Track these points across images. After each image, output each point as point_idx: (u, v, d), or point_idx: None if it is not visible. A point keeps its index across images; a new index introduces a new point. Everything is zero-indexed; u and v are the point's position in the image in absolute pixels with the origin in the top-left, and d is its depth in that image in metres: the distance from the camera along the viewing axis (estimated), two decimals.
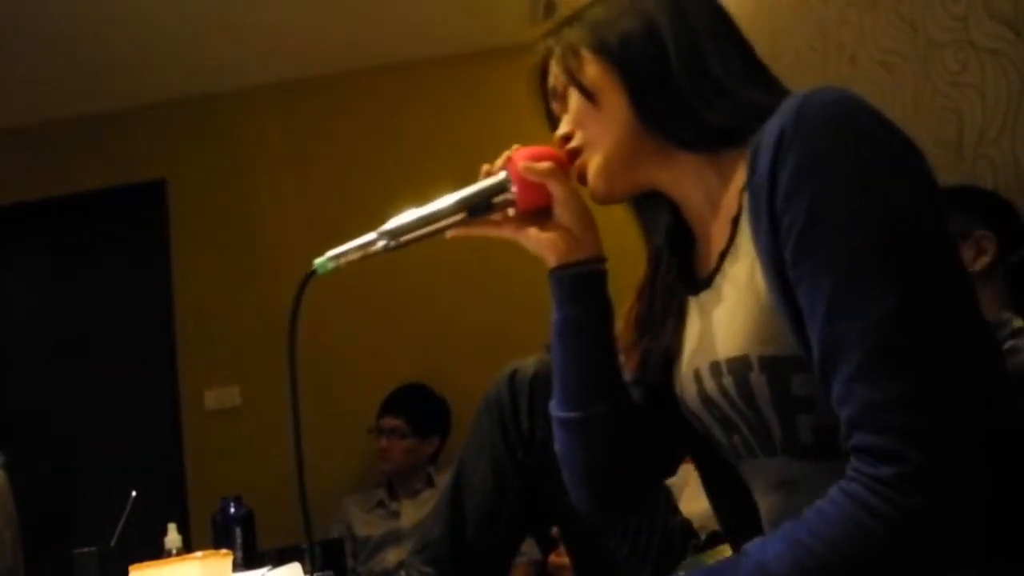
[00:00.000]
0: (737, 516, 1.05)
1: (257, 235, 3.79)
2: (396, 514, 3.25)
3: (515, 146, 1.05)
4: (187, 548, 1.79)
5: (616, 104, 0.97)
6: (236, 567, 1.20)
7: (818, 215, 0.77)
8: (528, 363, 1.42)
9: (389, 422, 3.33)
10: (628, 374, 1.08)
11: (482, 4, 3.45)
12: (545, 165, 1.01)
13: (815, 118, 0.80)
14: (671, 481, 1.42)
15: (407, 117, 3.82)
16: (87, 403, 3.82)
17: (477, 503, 1.43)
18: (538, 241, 1.05)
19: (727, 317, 0.91)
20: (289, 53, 3.71)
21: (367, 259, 1.02)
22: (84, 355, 3.88)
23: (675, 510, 1.43)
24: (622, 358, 1.07)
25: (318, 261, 1.01)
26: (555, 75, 1.04)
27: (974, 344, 0.76)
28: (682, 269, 1.03)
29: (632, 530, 1.37)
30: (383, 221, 1.03)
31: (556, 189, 1.02)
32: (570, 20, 1.03)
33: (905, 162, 0.81)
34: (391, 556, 3.13)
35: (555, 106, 1.07)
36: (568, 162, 1.03)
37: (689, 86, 0.93)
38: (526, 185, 1.02)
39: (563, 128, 1.04)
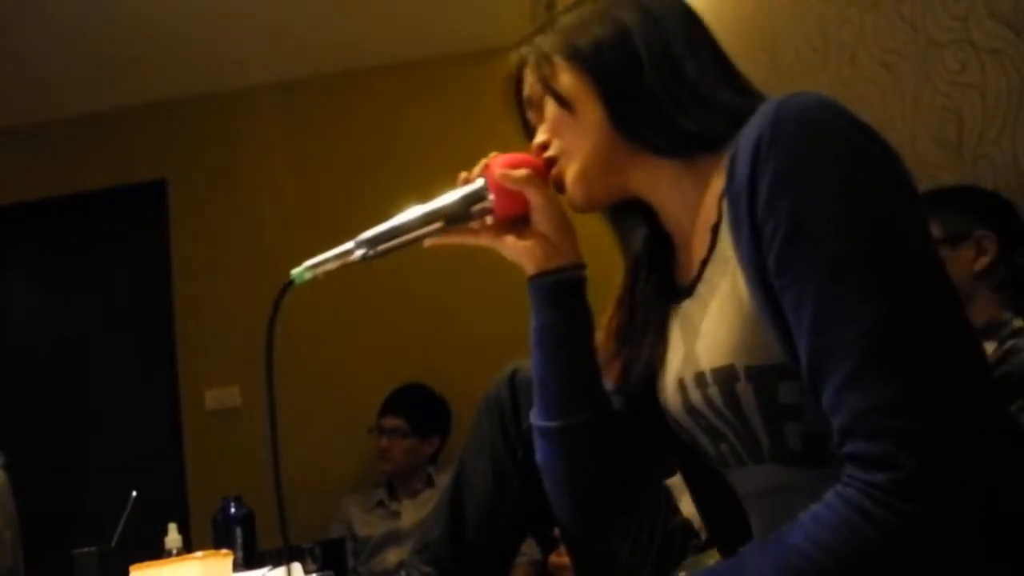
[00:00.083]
0: (725, 523, 1.04)
1: (257, 235, 3.79)
2: (396, 514, 3.25)
3: (492, 153, 1.05)
4: (187, 548, 1.79)
5: (591, 111, 0.97)
6: (236, 567, 1.20)
7: (800, 223, 0.77)
8: (528, 363, 1.42)
9: (390, 422, 3.33)
10: (609, 384, 1.07)
11: (482, 4, 3.45)
12: (522, 172, 1.01)
13: (792, 124, 0.79)
14: (671, 481, 1.41)
15: (408, 117, 3.82)
16: (87, 403, 3.82)
17: (477, 503, 1.43)
18: (516, 249, 1.05)
19: (711, 326, 0.90)
20: (290, 53, 3.71)
21: (364, 260, 1.02)
22: (84, 355, 3.88)
23: (675, 510, 1.43)
24: (603, 368, 1.07)
25: (295, 271, 1.01)
26: (530, 84, 1.04)
27: (961, 346, 0.76)
28: (662, 278, 1.03)
29: (632, 530, 1.37)
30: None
31: (534, 196, 1.02)
32: (543, 28, 1.03)
33: (884, 166, 0.80)
34: (391, 556, 3.13)
35: (531, 115, 1.06)
36: (546, 170, 1.02)
37: (663, 91, 0.93)
38: (504, 193, 1.02)
39: (540, 137, 1.03)
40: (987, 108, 1.48)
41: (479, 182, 1.03)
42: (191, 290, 3.82)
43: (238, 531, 1.86)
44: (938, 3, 1.57)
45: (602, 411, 1.06)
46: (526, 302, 1.09)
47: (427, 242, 1.04)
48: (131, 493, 1.81)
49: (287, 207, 3.84)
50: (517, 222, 1.05)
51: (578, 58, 0.97)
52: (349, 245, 1.01)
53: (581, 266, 1.06)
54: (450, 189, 1.05)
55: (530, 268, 1.06)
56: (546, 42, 1.01)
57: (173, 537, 1.78)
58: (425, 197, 1.05)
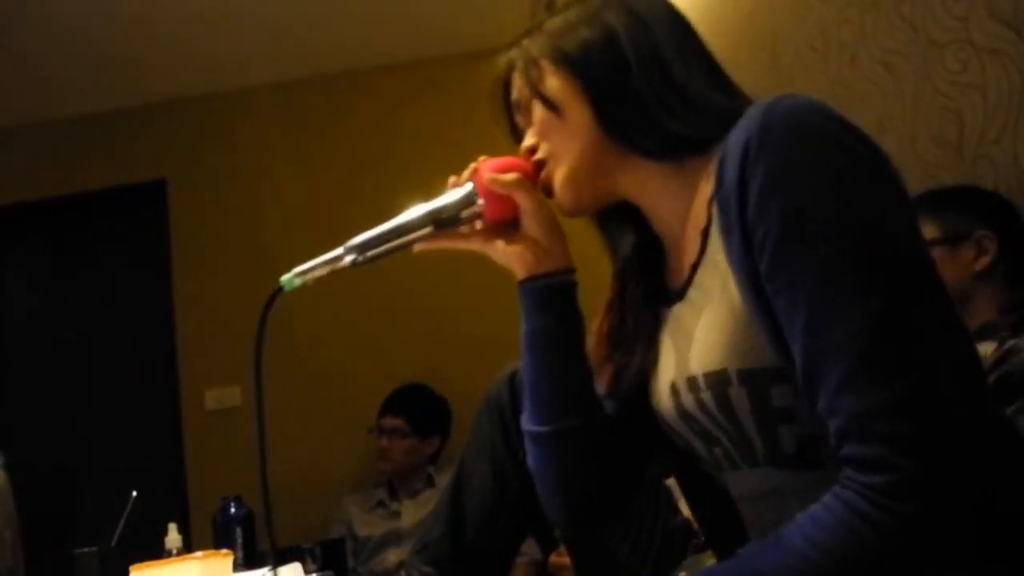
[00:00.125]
0: (720, 526, 1.04)
1: (258, 235, 3.79)
2: (396, 514, 3.25)
3: (481, 157, 1.04)
4: (187, 548, 1.79)
5: (579, 114, 0.96)
6: (236, 567, 1.20)
7: (790, 227, 0.77)
8: None
9: (390, 422, 3.33)
10: (601, 388, 1.07)
11: (482, 4, 3.45)
12: (511, 177, 1.00)
13: (781, 127, 0.79)
14: (671, 481, 1.41)
15: (408, 117, 3.82)
16: (87, 403, 3.82)
17: (477, 503, 1.43)
18: (506, 253, 1.05)
19: (702, 331, 0.90)
20: (290, 53, 3.71)
21: (354, 266, 1.01)
22: (84, 355, 3.88)
23: (675, 510, 1.43)
24: (595, 373, 1.06)
25: (284, 278, 1.00)
26: (518, 88, 1.03)
27: (954, 347, 0.76)
28: (653, 281, 1.02)
29: (632, 530, 1.37)
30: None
31: (523, 200, 1.01)
32: (530, 31, 1.03)
33: (873, 167, 0.80)
34: (391, 556, 3.13)
35: (519, 119, 1.06)
36: (535, 174, 1.02)
37: (651, 94, 0.93)
38: (493, 197, 1.01)
39: (528, 140, 1.03)
40: (987, 108, 1.48)
41: (468, 186, 1.02)
42: (191, 290, 3.82)
43: (238, 531, 1.86)
44: (938, 3, 1.57)
45: (594, 415, 1.06)
46: None
47: (416, 247, 1.04)
48: (131, 493, 1.81)
49: (287, 207, 3.84)
50: (507, 226, 1.04)
51: (565, 61, 0.97)
52: (338, 251, 1.00)
53: (571, 270, 1.06)
54: (443, 192, 1.04)
55: (520, 272, 1.06)
56: (534, 45, 1.00)
57: (173, 537, 1.78)
58: (426, 197, 1.04)
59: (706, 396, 0.89)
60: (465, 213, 1.02)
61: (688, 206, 0.94)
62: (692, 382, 0.91)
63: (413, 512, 3.20)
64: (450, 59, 3.76)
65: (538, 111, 1.00)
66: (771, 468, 0.88)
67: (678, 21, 0.99)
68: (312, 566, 1.91)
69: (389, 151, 3.78)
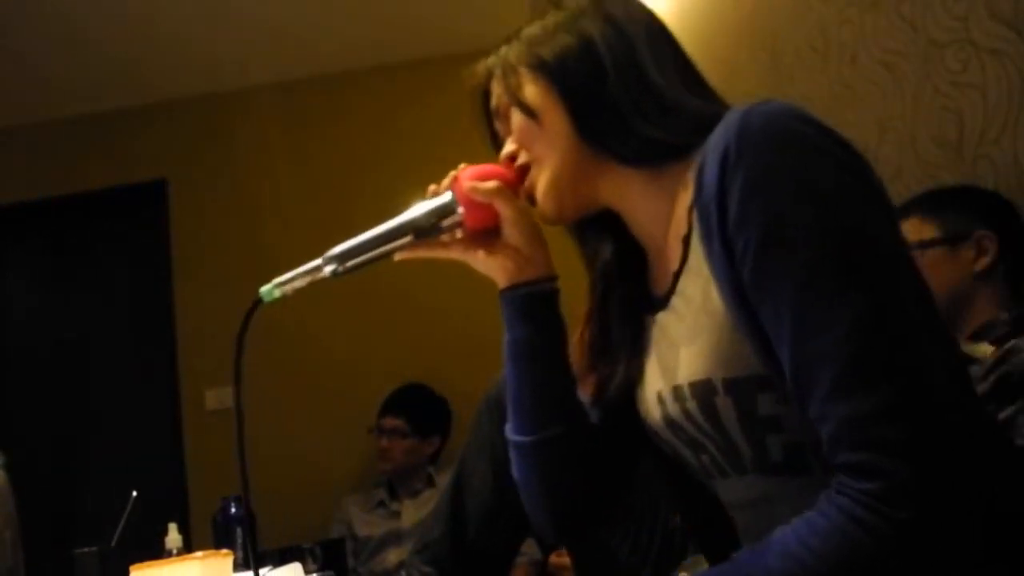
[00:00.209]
0: (711, 532, 1.03)
1: (258, 235, 3.79)
2: (397, 514, 3.25)
3: (461, 165, 1.03)
4: (188, 548, 1.79)
5: (557, 121, 0.96)
6: (237, 567, 1.20)
7: (771, 235, 0.76)
8: None
9: (390, 422, 3.33)
10: (586, 398, 1.06)
11: (482, 4, 3.45)
12: (491, 185, 1.00)
13: (759, 134, 0.79)
14: None
15: (408, 117, 3.82)
16: (87, 403, 3.82)
17: (478, 503, 1.43)
18: (487, 262, 1.04)
19: (686, 339, 0.90)
20: (290, 53, 3.71)
21: (335, 277, 1.00)
22: (84, 355, 3.89)
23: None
24: (579, 382, 1.06)
25: (264, 289, 1.00)
26: (497, 95, 1.03)
27: (940, 349, 0.76)
28: (636, 289, 1.02)
29: (633, 530, 1.37)
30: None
31: (503, 208, 1.01)
32: (508, 39, 1.02)
33: (852, 171, 0.80)
34: (392, 556, 3.13)
35: (498, 126, 1.05)
36: (517, 181, 1.01)
37: (627, 101, 0.92)
38: (473, 205, 1.00)
39: (507, 147, 1.03)
40: (988, 108, 1.48)
41: (447, 195, 1.01)
42: (191, 290, 3.82)
43: (238, 531, 1.86)
44: (938, 3, 1.57)
45: (577, 424, 1.05)
46: None
47: (397, 256, 1.03)
48: (131, 493, 1.81)
49: (287, 207, 3.84)
50: (488, 234, 1.03)
51: (542, 68, 0.97)
52: (318, 261, 0.99)
53: (553, 278, 1.05)
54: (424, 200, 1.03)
55: (501, 281, 1.05)
56: (511, 53, 1.00)
57: (173, 537, 1.78)
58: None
59: (692, 405, 0.89)
60: (445, 222, 1.01)
61: (669, 212, 0.94)
62: (678, 391, 0.91)
63: (413, 512, 3.20)
64: (450, 59, 3.74)
65: (517, 118, 0.99)
66: (759, 476, 0.88)
67: (656, 27, 0.99)
68: (312, 566, 1.91)
69: (389, 151, 3.78)
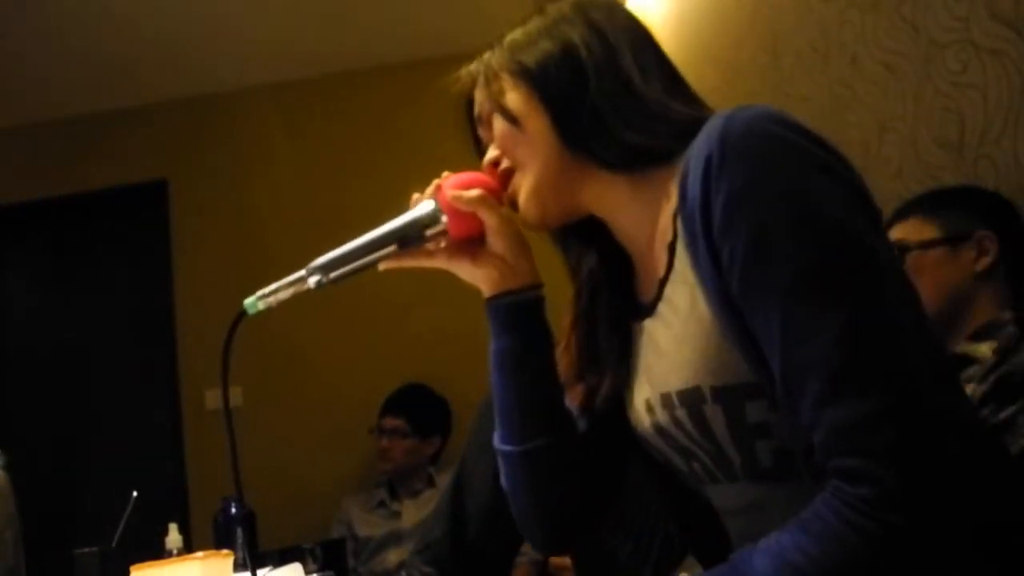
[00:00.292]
0: (704, 537, 1.03)
1: (258, 235, 3.79)
2: (397, 514, 3.25)
3: (445, 173, 1.03)
4: (188, 548, 1.79)
5: (540, 127, 0.96)
6: (237, 567, 1.20)
7: (758, 243, 0.76)
8: None
9: (390, 422, 3.33)
10: (573, 406, 1.06)
11: (482, 4, 3.45)
12: (474, 193, 0.99)
13: (740, 140, 0.78)
14: None
15: (407, 117, 3.81)
16: (88, 403, 3.82)
17: (478, 503, 1.43)
18: (471, 271, 1.04)
19: (674, 347, 0.89)
20: (290, 53, 3.71)
21: (319, 288, 1.00)
22: (85, 355, 3.89)
23: None
24: (566, 391, 1.05)
25: (248, 301, 0.99)
26: (479, 101, 1.03)
27: (928, 352, 0.75)
28: (622, 295, 1.02)
29: (634, 532, 1.37)
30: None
31: (487, 217, 1.00)
32: (492, 45, 1.02)
33: (834, 174, 0.79)
34: (392, 556, 3.13)
35: (482, 132, 1.05)
36: (500, 188, 1.01)
37: (609, 106, 0.92)
38: (457, 214, 1.00)
39: (490, 153, 1.02)
40: (988, 108, 1.48)
41: (431, 204, 1.01)
42: (191, 290, 3.82)
43: (239, 531, 1.86)
44: (939, 4, 1.57)
45: (565, 433, 1.04)
46: None
47: (381, 266, 1.02)
48: (132, 493, 1.81)
49: (287, 207, 3.85)
50: (472, 243, 1.03)
51: (524, 74, 0.97)
52: (301, 273, 0.99)
53: (538, 286, 1.05)
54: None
55: (486, 290, 1.05)
56: (494, 59, 1.00)
57: (174, 537, 1.78)
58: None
59: (681, 413, 0.88)
60: (429, 231, 1.01)
61: (653, 219, 0.93)
62: (666, 399, 0.90)
63: (414, 512, 3.20)
64: (450, 59, 3.75)
65: (499, 125, 0.99)
66: (750, 482, 0.88)
67: (638, 32, 0.99)
68: (313, 566, 1.90)
69: (389, 151, 3.77)
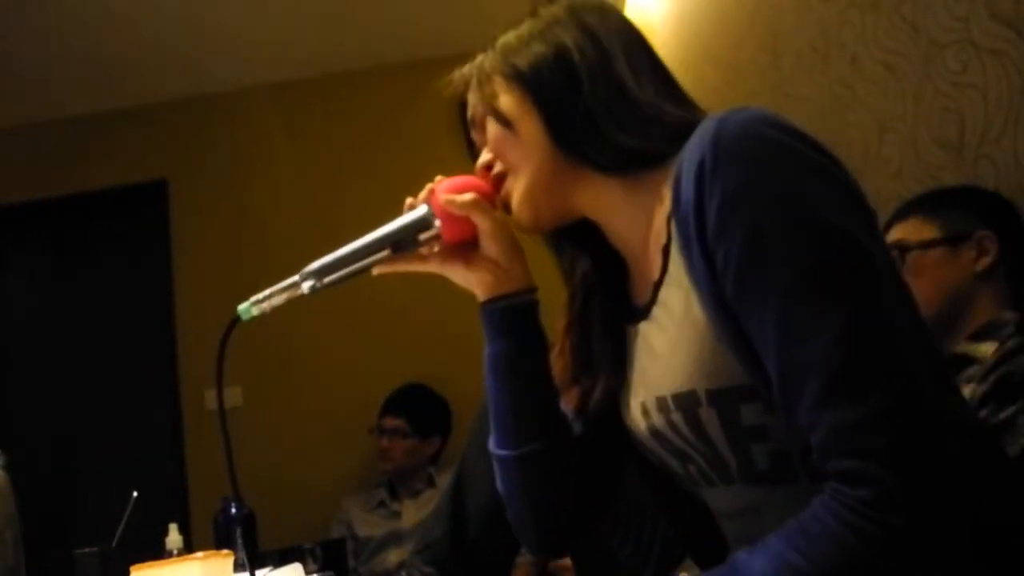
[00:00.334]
0: (701, 539, 1.03)
1: (258, 235, 3.80)
2: (397, 514, 3.25)
3: (438, 177, 1.03)
4: (188, 548, 1.79)
5: (533, 130, 0.95)
6: (237, 567, 1.20)
7: (753, 246, 0.76)
8: None
9: (390, 422, 3.33)
10: (568, 409, 1.05)
11: (483, 4, 3.45)
12: (467, 197, 0.99)
13: (733, 143, 0.78)
14: None
15: (407, 117, 3.82)
16: (88, 403, 3.82)
17: (478, 503, 1.43)
18: (465, 275, 1.04)
19: (669, 350, 0.89)
20: (289, 54, 3.72)
21: (313, 293, 1.00)
22: (85, 355, 3.89)
23: None
24: (561, 394, 1.05)
25: (241, 307, 1.00)
26: (473, 105, 1.03)
27: (924, 353, 0.75)
28: (617, 298, 1.02)
29: (634, 532, 1.37)
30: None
31: (480, 221, 1.00)
32: (485, 48, 1.02)
33: (828, 176, 0.79)
34: (392, 556, 3.13)
35: (475, 135, 1.05)
36: (493, 191, 1.01)
37: (602, 109, 0.92)
38: (450, 219, 1.00)
39: (483, 157, 1.02)
40: (988, 108, 1.48)
41: (424, 209, 1.01)
42: (192, 290, 3.82)
43: (238, 531, 1.87)
44: (939, 4, 1.57)
45: (560, 438, 1.04)
46: None
47: (375, 271, 1.02)
48: (132, 493, 1.81)
49: (287, 207, 3.85)
50: (466, 247, 1.03)
51: (517, 77, 0.96)
52: (295, 278, 0.99)
53: (532, 290, 1.05)
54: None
55: (480, 294, 1.04)
56: (487, 62, 1.00)
57: (174, 537, 1.78)
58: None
59: (676, 417, 0.88)
60: (423, 236, 1.01)
61: (647, 222, 0.93)
62: (661, 402, 0.90)
63: (414, 512, 3.20)
64: (451, 60, 3.75)
65: (492, 128, 0.99)
66: (746, 485, 0.88)
67: (632, 35, 0.99)
68: (313, 566, 1.90)
69: (390, 151, 3.78)
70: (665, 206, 0.89)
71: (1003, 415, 1.17)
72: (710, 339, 0.83)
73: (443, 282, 1.08)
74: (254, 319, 1.00)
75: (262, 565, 1.42)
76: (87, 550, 1.67)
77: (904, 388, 0.71)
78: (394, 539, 3.18)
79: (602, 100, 0.92)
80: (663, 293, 0.90)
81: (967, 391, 1.23)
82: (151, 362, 3.85)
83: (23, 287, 4.06)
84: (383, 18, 3.55)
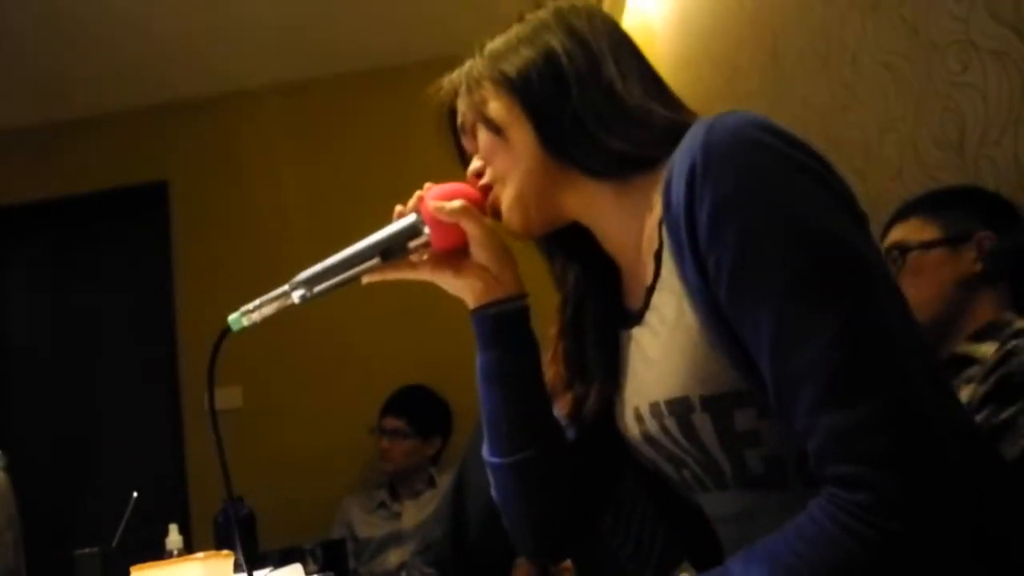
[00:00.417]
0: (697, 543, 1.03)
1: (259, 236, 3.80)
2: (398, 515, 3.25)
3: (427, 184, 1.03)
4: (188, 549, 1.79)
5: (522, 136, 0.95)
6: (237, 568, 1.20)
7: (745, 251, 0.76)
8: None
9: (391, 423, 3.33)
10: (562, 415, 1.05)
11: (485, 4, 3.45)
12: (456, 204, 0.99)
13: (723, 147, 0.78)
14: None
15: (412, 119, 3.81)
16: (88, 404, 3.83)
17: (479, 505, 1.43)
18: (455, 282, 1.04)
19: (662, 356, 0.89)
20: (291, 54, 3.72)
21: (303, 302, 1.00)
22: (86, 356, 3.89)
23: None
24: (555, 400, 1.05)
25: (232, 317, 1.00)
26: (462, 112, 1.03)
27: (919, 356, 0.75)
28: (609, 303, 1.01)
29: (635, 531, 1.37)
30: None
31: (470, 228, 1.00)
32: (473, 54, 1.02)
33: (819, 179, 0.79)
34: (393, 557, 3.13)
35: (465, 142, 1.05)
36: (483, 198, 1.01)
37: (591, 114, 0.92)
38: (439, 226, 1.00)
39: (474, 164, 1.02)
40: (988, 109, 1.48)
41: (412, 216, 1.01)
42: (192, 291, 3.82)
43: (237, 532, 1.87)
44: (939, 4, 1.57)
45: (553, 444, 1.04)
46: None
47: (365, 279, 1.02)
48: (132, 494, 1.81)
49: (289, 209, 3.85)
50: (456, 254, 1.03)
51: (506, 83, 0.96)
52: (285, 288, 0.99)
53: (523, 296, 1.04)
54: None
55: (470, 301, 1.04)
56: (476, 68, 1.00)
57: (174, 538, 1.78)
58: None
59: (670, 422, 0.88)
60: (412, 243, 1.01)
61: (639, 226, 0.93)
62: (655, 408, 0.90)
63: (414, 513, 3.20)
64: (456, 61, 3.75)
65: (482, 134, 0.99)
66: (740, 490, 0.88)
67: (620, 39, 0.98)
68: (313, 567, 1.91)
69: (393, 153, 3.77)
70: (656, 211, 0.89)
71: (1004, 416, 1.17)
72: (703, 344, 0.83)
73: None
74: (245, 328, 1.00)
75: (262, 565, 1.42)
76: (87, 551, 1.67)
77: (901, 391, 0.71)
78: (395, 540, 3.18)
79: (591, 105, 0.92)
80: (656, 298, 0.90)
81: (967, 391, 1.23)
82: (151, 362, 3.85)
83: (23, 287, 4.06)
84: (385, 19, 3.55)
